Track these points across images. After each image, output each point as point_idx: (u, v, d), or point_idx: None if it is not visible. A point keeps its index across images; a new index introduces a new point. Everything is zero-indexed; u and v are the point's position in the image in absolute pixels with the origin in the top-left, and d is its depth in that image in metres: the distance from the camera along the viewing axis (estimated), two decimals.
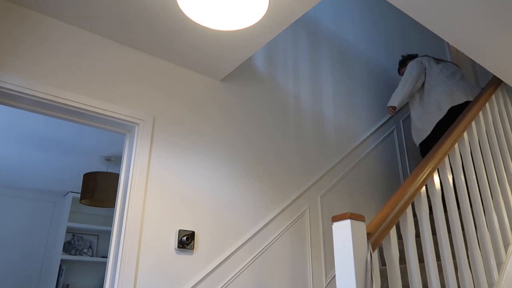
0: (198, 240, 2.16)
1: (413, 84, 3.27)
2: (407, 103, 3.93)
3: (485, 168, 2.60)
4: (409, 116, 3.89)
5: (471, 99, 3.11)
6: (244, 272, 2.26)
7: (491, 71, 2.41)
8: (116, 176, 3.76)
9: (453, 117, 3.14)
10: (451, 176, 2.12)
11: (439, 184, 2.00)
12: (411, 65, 3.35)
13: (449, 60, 3.91)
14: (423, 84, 3.34)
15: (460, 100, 3.11)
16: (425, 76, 3.34)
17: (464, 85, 3.22)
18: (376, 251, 1.48)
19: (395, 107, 3.24)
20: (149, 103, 2.23)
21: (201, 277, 2.10)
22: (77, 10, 1.98)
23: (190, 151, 2.29)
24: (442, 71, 3.35)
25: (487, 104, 2.65)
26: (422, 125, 3.21)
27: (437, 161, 1.99)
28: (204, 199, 2.26)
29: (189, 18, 2.00)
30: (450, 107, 3.10)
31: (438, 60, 3.43)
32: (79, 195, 5.03)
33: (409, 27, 4.44)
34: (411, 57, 3.55)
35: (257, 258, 2.34)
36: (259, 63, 2.83)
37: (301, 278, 2.49)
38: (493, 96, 2.78)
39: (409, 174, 3.60)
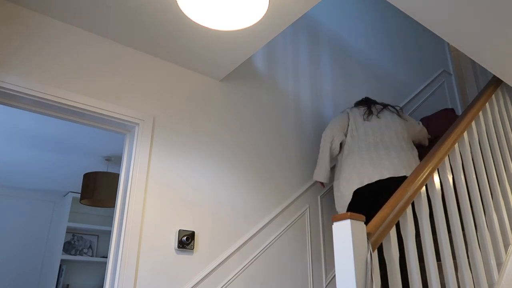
0: (198, 240, 2.16)
1: (327, 148, 2.58)
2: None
3: (485, 168, 2.60)
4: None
5: (400, 174, 2.35)
6: (244, 272, 2.26)
7: (491, 71, 2.41)
8: (116, 176, 3.76)
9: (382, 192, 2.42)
10: (451, 176, 2.12)
11: (439, 184, 2.00)
12: (330, 122, 2.68)
13: (396, 107, 2.80)
14: (343, 145, 2.60)
15: (379, 175, 2.35)
16: (346, 134, 2.60)
17: (396, 155, 2.42)
18: (376, 251, 1.48)
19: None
20: (149, 103, 2.23)
21: (201, 277, 2.10)
22: (77, 10, 1.98)
23: (190, 151, 2.29)
24: (368, 132, 2.55)
25: (487, 104, 2.65)
26: (338, 206, 2.47)
27: (437, 161, 1.99)
28: (204, 199, 2.26)
29: (189, 18, 2.00)
30: (356, 188, 2.37)
31: (369, 113, 2.65)
32: (79, 195, 5.03)
33: (409, 27, 4.44)
34: (358, 104, 2.83)
35: (257, 258, 2.34)
36: (259, 63, 2.83)
37: (301, 278, 2.49)
38: (493, 96, 2.78)
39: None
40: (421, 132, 2.76)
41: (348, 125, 2.61)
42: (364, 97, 2.88)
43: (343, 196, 2.41)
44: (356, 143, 2.52)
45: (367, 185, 2.37)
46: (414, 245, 1.69)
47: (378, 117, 2.63)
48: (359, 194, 2.41)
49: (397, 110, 2.73)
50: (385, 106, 2.73)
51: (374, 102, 2.77)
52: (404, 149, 2.47)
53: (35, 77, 1.91)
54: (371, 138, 2.51)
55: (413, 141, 2.74)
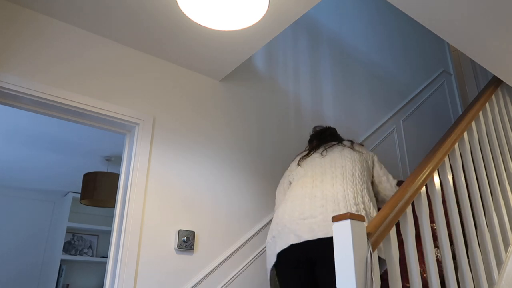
0: (198, 240, 2.16)
1: (277, 203, 2.17)
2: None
3: (485, 168, 2.60)
4: (410, 115, 3.90)
5: (319, 235, 1.71)
6: (244, 272, 2.26)
7: (491, 71, 2.41)
8: (116, 176, 3.76)
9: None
10: (451, 176, 2.12)
11: (439, 184, 2.00)
12: None
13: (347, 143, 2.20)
14: None
15: (294, 239, 1.74)
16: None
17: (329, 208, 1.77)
18: (376, 251, 1.48)
19: None
20: (149, 103, 2.23)
21: (201, 277, 2.10)
22: (77, 10, 1.98)
23: (190, 151, 2.29)
24: (307, 173, 2.02)
25: (487, 104, 2.65)
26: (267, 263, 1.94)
27: (437, 161, 1.98)
28: (204, 199, 2.26)
29: (189, 18, 2.00)
30: (280, 250, 1.79)
31: (309, 152, 2.14)
32: (79, 195, 5.03)
33: (409, 27, 4.44)
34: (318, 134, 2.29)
35: (257, 258, 2.34)
36: (259, 63, 2.83)
37: None
38: (493, 96, 2.78)
39: (409, 174, 3.60)
40: (386, 184, 2.04)
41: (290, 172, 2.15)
42: (317, 129, 2.31)
43: (268, 256, 1.90)
44: (290, 191, 1.98)
45: (291, 248, 1.78)
46: (414, 245, 1.69)
47: (322, 155, 2.07)
48: (281, 260, 1.83)
49: (351, 141, 2.15)
50: (337, 141, 2.17)
51: (324, 138, 2.21)
52: (348, 199, 1.80)
53: (35, 77, 1.91)
54: (308, 183, 1.93)
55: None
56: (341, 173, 1.92)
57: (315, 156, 2.08)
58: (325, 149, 2.10)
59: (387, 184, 2.05)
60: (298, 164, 2.10)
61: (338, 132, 3.14)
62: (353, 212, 1.58)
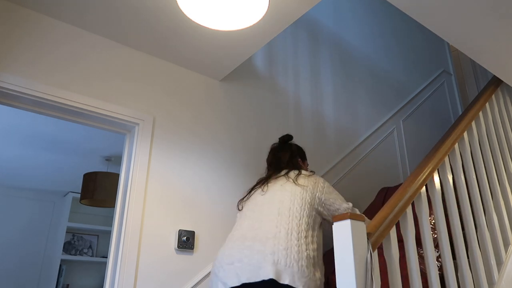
0: (198, 240, 2.16)
1: None
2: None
3: (485, 168, 2.60)
4: (410, 115, 3.90)
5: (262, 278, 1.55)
6: None
7: (491, 71, 2.41)
8: (116, 176, 3.76)
9: None
10: (451, 176, 2.12)
11: (439, 184, 2.00)
12: None
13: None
14: None
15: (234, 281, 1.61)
16: None
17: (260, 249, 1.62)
18: (376, 251, 1.48)
19: None
20: (149, 103, 2.23)
21: (201, 277, 2.10)
22: (77, 10, 1.98)
23: (190, 150, 2.29)
24: (246, 215, 1.87)
25: (487, 104, 2.65)
26: None
27: (437, 161, 1.99)
28: (204, 199, 2.25)
29: (189, 18, 2.00)
30: None
31: (249, 192, 2.00)
32: (79, 195, 5.03)
33: (409, 26, 4.44)
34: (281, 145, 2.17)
35: None
36: (259, 63, 2.83)
37: None
38: (493, 96, 2.78)
39: (409, 174, 3.60)
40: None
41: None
42: (274, 146, 2.18)
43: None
44: (230, 234, 1.86)
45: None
46: (414, 245, 1.69)
47: (263, 191, 1.92)
48: None
49: (298, 173, 1.95)
50: (286, 169, 2.01)
51: (276, 163, 2.08)
52: (279, 236, 1.64)
53: (36, 78, 1.91)
54: (244, 224, 1.80)
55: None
56: (278, 208, 1.76)
57: (257, 194, 1.93)
58: (267, 185, 1.93)
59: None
60: (239, 208, 1.98)
61: (338, 132, 3.14)
62: (281, 250, 1.55)
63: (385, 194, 2.87)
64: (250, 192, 1.99)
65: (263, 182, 1.97)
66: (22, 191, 4.95)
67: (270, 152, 2.16)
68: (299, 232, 1.67)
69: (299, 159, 2.11)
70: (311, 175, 1.94)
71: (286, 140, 2.18)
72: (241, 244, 1.69)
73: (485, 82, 4.66)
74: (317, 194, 1.83)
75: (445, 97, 4.48)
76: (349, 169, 3.09)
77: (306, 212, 1.76)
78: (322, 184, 1.89)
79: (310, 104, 3.05)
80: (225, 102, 2.55)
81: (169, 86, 2.34)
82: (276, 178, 1.95)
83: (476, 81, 4.73)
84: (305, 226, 1.70)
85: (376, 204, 2.86)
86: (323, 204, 1.83)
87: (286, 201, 1.78)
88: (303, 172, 1.96)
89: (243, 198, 2.00)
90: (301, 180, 1.89)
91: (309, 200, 1.80)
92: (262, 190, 1.92)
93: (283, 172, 1.98)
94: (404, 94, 3.96)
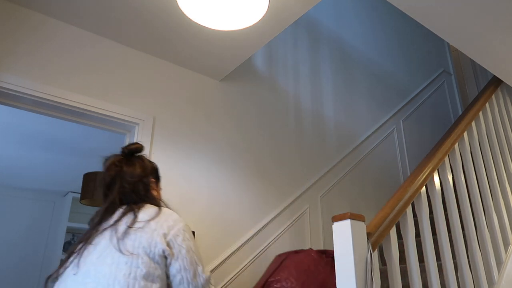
0: (198, 240, 2.16)
1: None
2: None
3: (485, 168, 2.60)
4: (410, 115, 3.90)
5: None
6: (244, 272, 2.26)
7: (491, 71, 2.41)
8: None
9: None
10: (451, 176, 2.12)
11: (439, 184, 2.00)
12: None
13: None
14: None
15: None
16: None
17: None
18: (376, 251, 1.48)
19: None
20: (149, 103, 2.23)
21: None
22: (77, 11, 1.98)
23: (190, 151, 2.29)
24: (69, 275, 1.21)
25: (487, 104, 2.65)
26: None
27: (437, 161, 1.99)
28: (204, 199, 2.25)
29: (189, 18, 2.00)
30: None
31: (84, 242, 1.26)
32: (79, 195, 5.03)
33: (409, 26, 4.44)
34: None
35: (257, 258, 2.34)
36: (259, 63, 2.83)
37: None
38: (493, 96, 2.78)
39: (409, 174, 3.60)
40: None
41: None
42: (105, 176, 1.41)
43: None
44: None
45: None
46: (414, 245, 1.69)
47: (92, 244, 1.25)
48: None
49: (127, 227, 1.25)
50: (117, 216, 1.30)
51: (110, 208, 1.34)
52: None
53: (35, 77, 1.91)
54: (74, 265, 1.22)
55: None
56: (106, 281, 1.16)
57: (68, 271, 1.23)
58: (85, 245, 1.25)
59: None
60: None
61: (338, 132, 3.14)
62: None
63: (282, 260, 2.25)
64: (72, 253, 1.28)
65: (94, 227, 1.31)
66: (22, 191, 4.95)
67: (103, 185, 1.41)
68: None
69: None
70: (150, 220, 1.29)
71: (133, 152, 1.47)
72: None
73: (485, 82, 4.66)
74: (156, 257, 1.24)
75: (445, 97, 4.48)
76: (349, 169, 3.09)
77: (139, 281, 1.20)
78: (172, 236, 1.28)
79: (310, 104, 3.05)
80: (225, 102, 2.55)
81: (169, 86, 2.34)
82: (103, 232, 1.28)
83: (476, 81, 4.73)
84: None
85: (269, 269, 2.27)
86: (171, 268, 1.26)
87: (107, 274, 1.18)
88: (134, 225, 1.27)
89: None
90: (129, 245, 1.23)
91: (145, 268, 1.21)
92: (91, 243, 1.26)
93: (111, 221, 1.30)
94: (404, 94, 3.96)
